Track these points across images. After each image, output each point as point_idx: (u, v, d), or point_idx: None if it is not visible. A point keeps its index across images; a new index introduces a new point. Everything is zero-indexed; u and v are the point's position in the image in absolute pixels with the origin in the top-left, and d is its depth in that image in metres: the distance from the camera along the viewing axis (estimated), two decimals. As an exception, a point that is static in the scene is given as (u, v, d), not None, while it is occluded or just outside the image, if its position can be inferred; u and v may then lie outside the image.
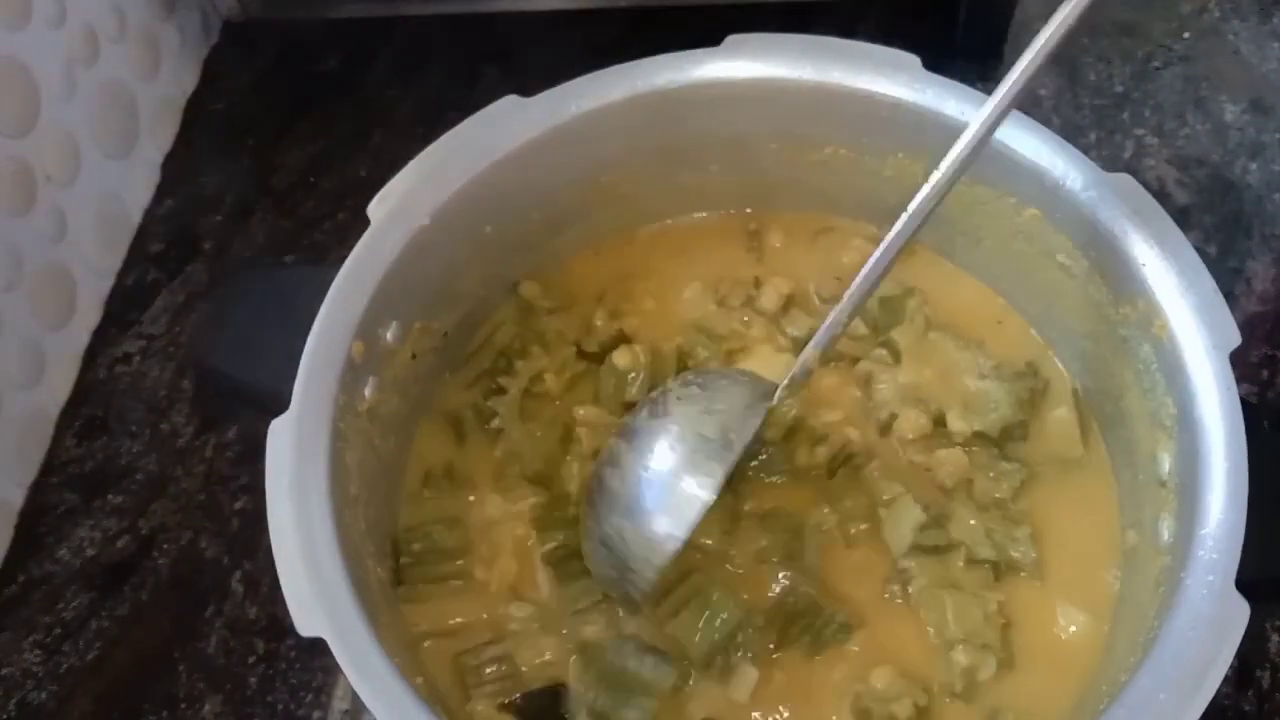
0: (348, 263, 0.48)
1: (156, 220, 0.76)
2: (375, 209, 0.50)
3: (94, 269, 0.71)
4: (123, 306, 0.72)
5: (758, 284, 0.58)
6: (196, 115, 0.80)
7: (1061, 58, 0.76)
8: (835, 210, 0.60)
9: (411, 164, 0.51)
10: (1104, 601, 0.50)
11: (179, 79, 0.80)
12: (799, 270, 0.59)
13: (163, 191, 0.77)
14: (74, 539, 0.63)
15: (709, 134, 0.56)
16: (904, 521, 0.50)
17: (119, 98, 0.73)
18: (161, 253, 0.74)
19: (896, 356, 0.55)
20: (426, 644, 0.49)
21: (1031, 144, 0.50)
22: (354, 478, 0.47)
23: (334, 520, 0.43)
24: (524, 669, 0.48)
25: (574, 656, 0.49)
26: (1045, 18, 0.41)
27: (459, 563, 0.51)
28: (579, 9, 0.77)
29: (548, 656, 0.49)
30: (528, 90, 0.53)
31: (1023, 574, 0.50)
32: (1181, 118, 0.75)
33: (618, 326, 0.56)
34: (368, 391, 0.49)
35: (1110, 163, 0.66)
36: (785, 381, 0.48)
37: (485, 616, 0.50)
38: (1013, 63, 0.42)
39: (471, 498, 0.53)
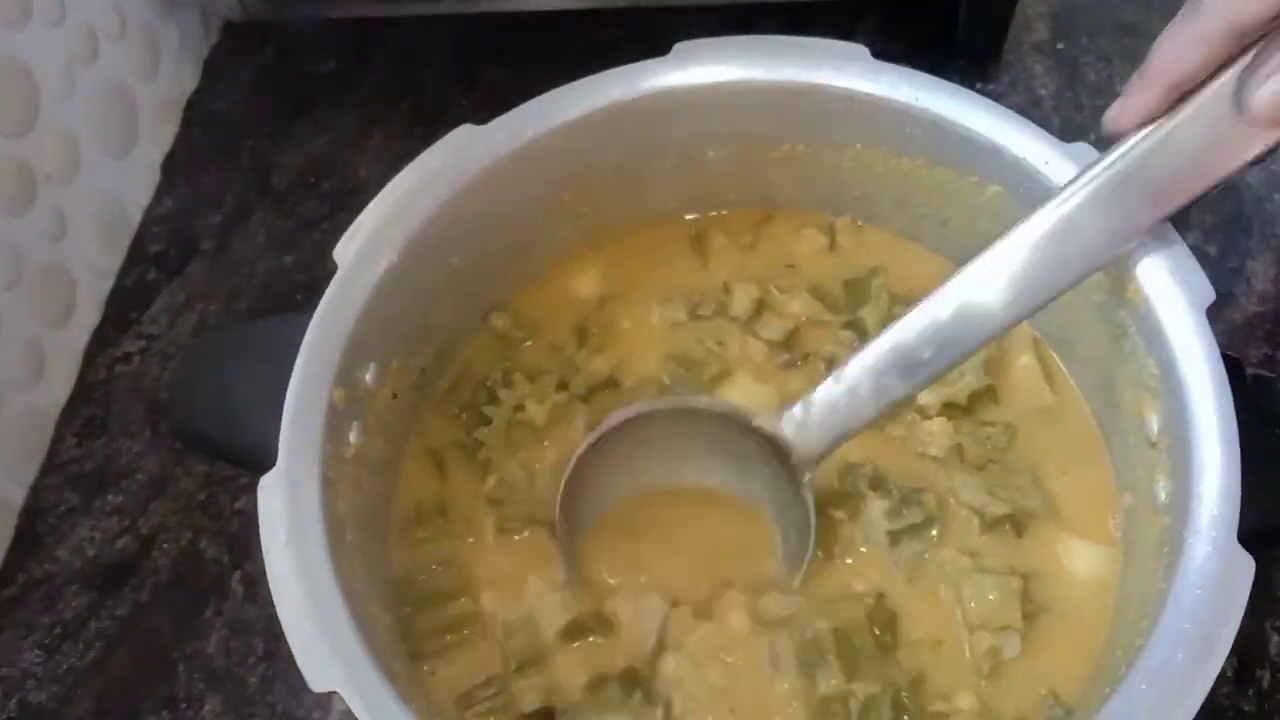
0: (320, 309, 0.48)
1: (156, 220, 0.76)
2: (341, 251, 0.49)
3: (94, 269, 0.71)
4: (123, 306, 0.72)
5: (727, 290, 0.58)
6: (196, 115, 0.80)
7: (1062, 57, 0.76)
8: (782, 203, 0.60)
9: (373, 202, 0.50)
10: (1111, 535, 0.50)
11: (179, 79, 0.80)
12: (751, 266, 0.59)
13: (163, 191, 0.77)
14: (74, 539, 0.63)
15: (666, 143, 0.56)
16: (870, 514, 0.51)
17: (119, 97, 0.73)
18: (161, 253, 0.74)
19: (864, 335, 0.55)
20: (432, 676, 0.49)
21: (987, 120, 0.50)
22: (348, 525, 0.46)
23: (334, 572, 0.43)
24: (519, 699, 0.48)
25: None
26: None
27: (463, 600, 0.50)
28: (579, 9, 0.77)
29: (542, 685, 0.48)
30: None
31: (1038, 520, 0.50)
32: (1181, 118, 0.75)
33: (606, 371, 0.56)
34: (353, 437, 0.48)
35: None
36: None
37: (493, 654, 0.49)
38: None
39: (468, 538, 0.52)
